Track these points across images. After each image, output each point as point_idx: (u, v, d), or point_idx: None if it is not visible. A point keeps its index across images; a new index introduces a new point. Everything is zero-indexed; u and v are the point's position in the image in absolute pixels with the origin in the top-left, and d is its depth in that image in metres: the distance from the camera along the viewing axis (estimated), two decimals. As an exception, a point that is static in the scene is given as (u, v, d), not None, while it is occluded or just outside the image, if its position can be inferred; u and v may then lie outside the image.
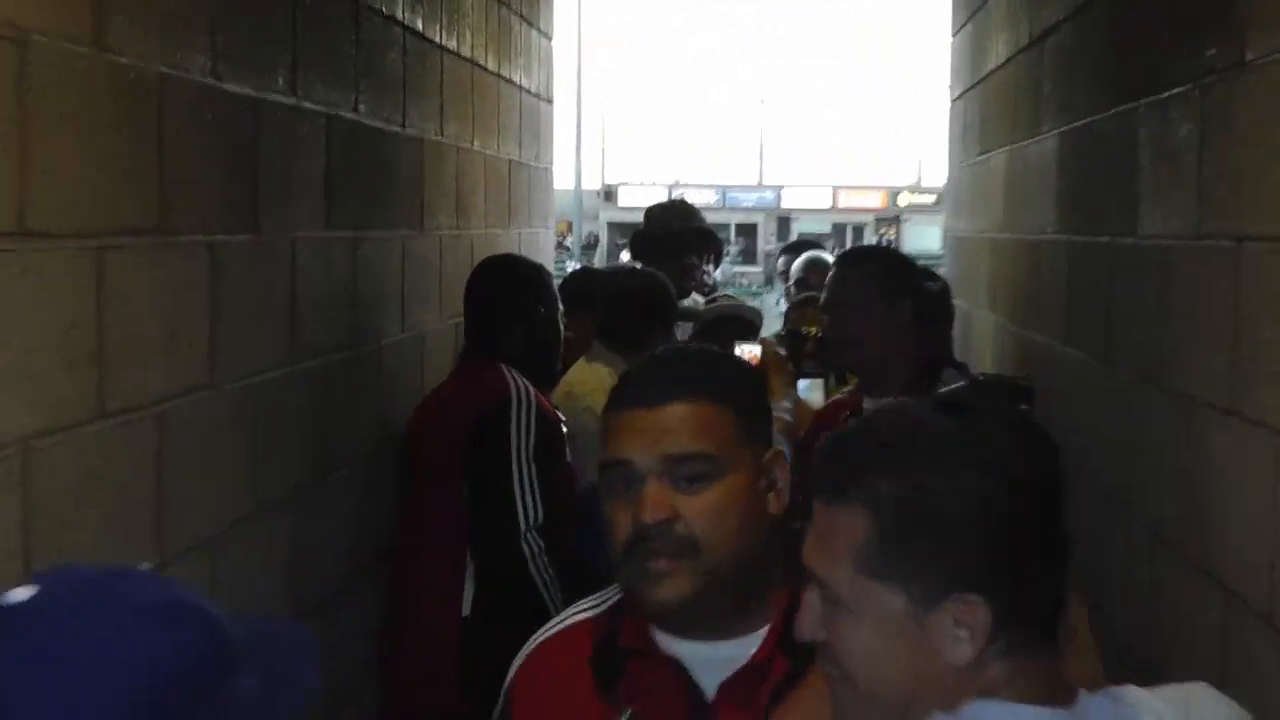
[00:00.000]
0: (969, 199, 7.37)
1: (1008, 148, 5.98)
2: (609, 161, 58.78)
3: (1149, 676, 1.92)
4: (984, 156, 6.70)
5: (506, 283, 4.55)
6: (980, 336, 6.67)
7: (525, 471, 4.11)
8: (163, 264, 2.92)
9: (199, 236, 3.10)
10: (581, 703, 2.02)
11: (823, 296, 4.25)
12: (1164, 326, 3.58)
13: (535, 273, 4.68)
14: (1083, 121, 4.51)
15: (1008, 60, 5.99)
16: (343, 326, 4.17)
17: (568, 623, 2.17)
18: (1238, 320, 3.03)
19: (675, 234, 6.44)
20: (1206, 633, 3.18)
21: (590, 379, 4.85)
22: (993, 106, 6.49)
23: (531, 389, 4.26)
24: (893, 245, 58.54)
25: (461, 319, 5.44)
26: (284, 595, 3.67)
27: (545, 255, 7.49)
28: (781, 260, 7.94)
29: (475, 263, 5.63)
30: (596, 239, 48.53)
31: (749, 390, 2.09)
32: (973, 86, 7.14)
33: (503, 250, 6.03)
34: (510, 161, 6.62)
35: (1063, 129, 4.83)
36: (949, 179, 8.37)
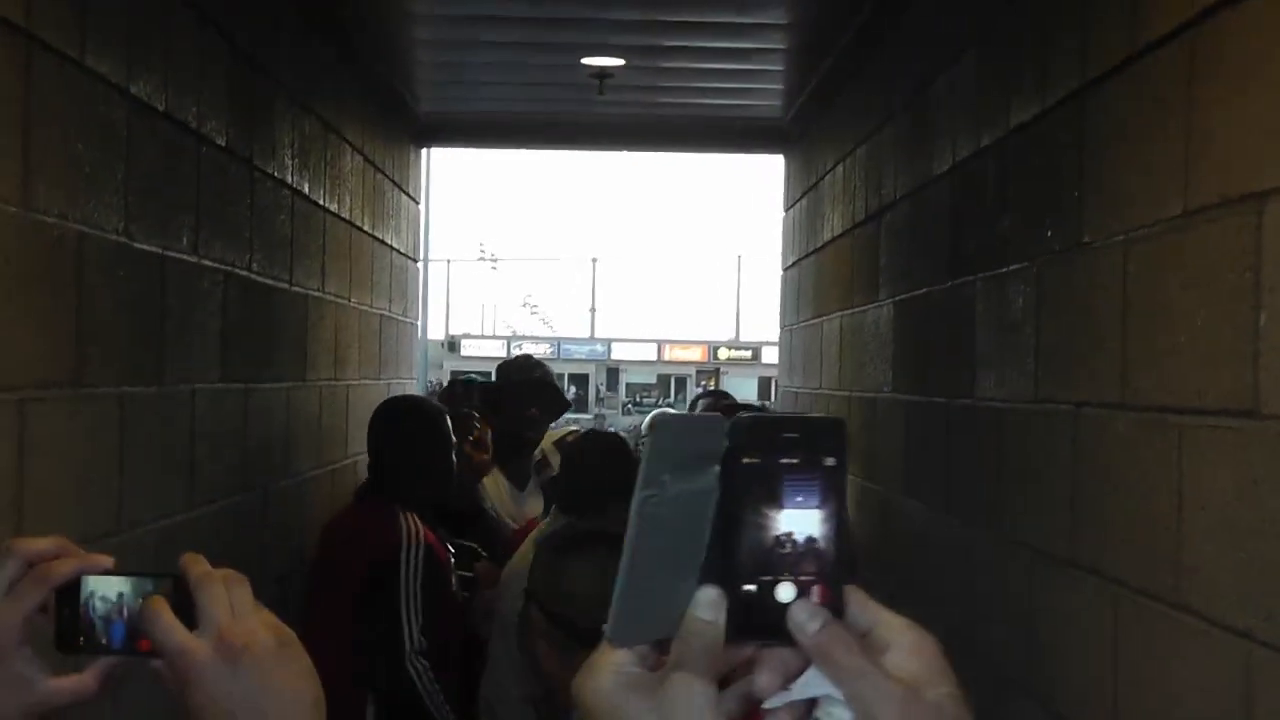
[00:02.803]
0: (802, 358, 7.47)
1: (842, 312, 6.09)
2: (453, 315, 59.00)
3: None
4: (817, 319, 6.81)
5: (405, 425, 4.57)
6: None
7: (411, 604, 4.17)
8: (77, 415, 2.83)
9: (110, 388, 3.02)
10: None
11: None
12: (1002, 481, 3.64)
13: (434, 416, 4.69)
14: (920, 291, 4.62)
15: (844, 233, 6.12)
16: (235, 473, 4.09)
17: None
18: (1076, 479, 3.09)
19: (513, 386, 6.27)
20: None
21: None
22: (827, 274, 6.61)
23: (422, 530, 4.30)
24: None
25: (338, 465, 5.39)
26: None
27: None
28: (701, 404, 7.57)
29: (349, 412, 5.59)
30: (442, 387, 48.63)
31: None
32: (806, 256, 7.28)
33: (375, 399, 5.98)
34: (381, 316, 6.60)
35: (900, 297, 4.94)
36: (780, 339, 8.48)
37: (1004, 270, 3.66)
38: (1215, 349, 2.40)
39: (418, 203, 7.83)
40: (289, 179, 4.67)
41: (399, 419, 4.61)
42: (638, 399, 58.89)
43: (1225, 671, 2.31)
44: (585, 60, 6.33)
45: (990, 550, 3.72)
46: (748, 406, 7.08)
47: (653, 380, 61.25)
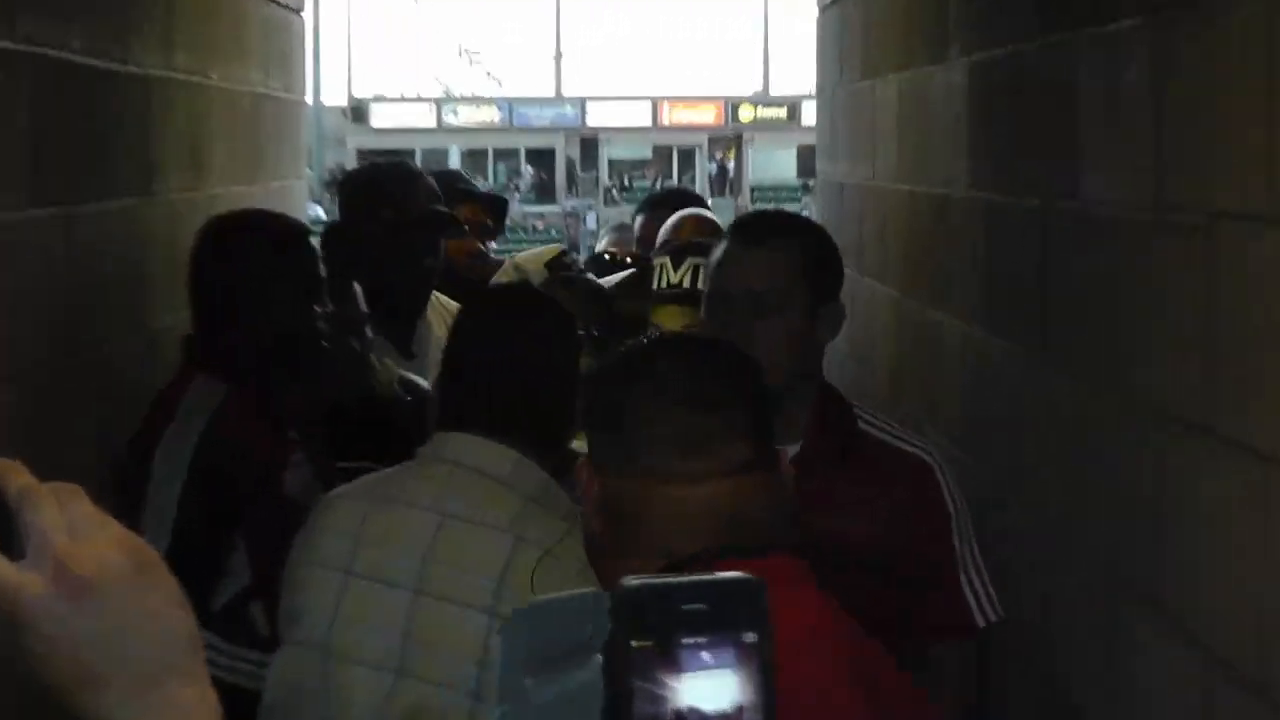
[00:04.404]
0: (847, 135, 7.53)
1: (901, 74, 6.15)
2: (357, 71, 58.10)
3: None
4: (868, 83, 6.86)
5: (225, 253, 4.26)
6: (866, 312, 6.79)
7: (155, 514, 3.93)
8: None
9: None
10: None
11: (713, 281, 3.72)
12: (1118, 317, 3.74)
13: (290, 240, 4.42)
14: (1004, 49, 4.69)
15: (901, -39, 6.16)
16: (54, 334, 4.21)
17: None
18: (1213, 317, 3.18)
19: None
20: (1183, 702, 3.34)
21: None
22: (880, 19, 6.64)
23: (207, 405, 4.02)
24: (730, 174, 58.85)
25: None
26: None
27: (299, 213, 7.41)
28: (639, 221, 6.81)
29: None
30: (344, 173, 48.01)
31: None
32: (852, -11, 7.29)
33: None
34: (253, 95, 6.67)
35: (976, 56, 5.00)
36: (819, 106, 8.49)
37: (1114, 27, 3.72)
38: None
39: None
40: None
41: (216, 245, 4.30)
42: (626, 181, 58.39)
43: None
44: None
45: (1102, 413, 3.84)
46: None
47: (646, 154, 60.78)
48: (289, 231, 4.52)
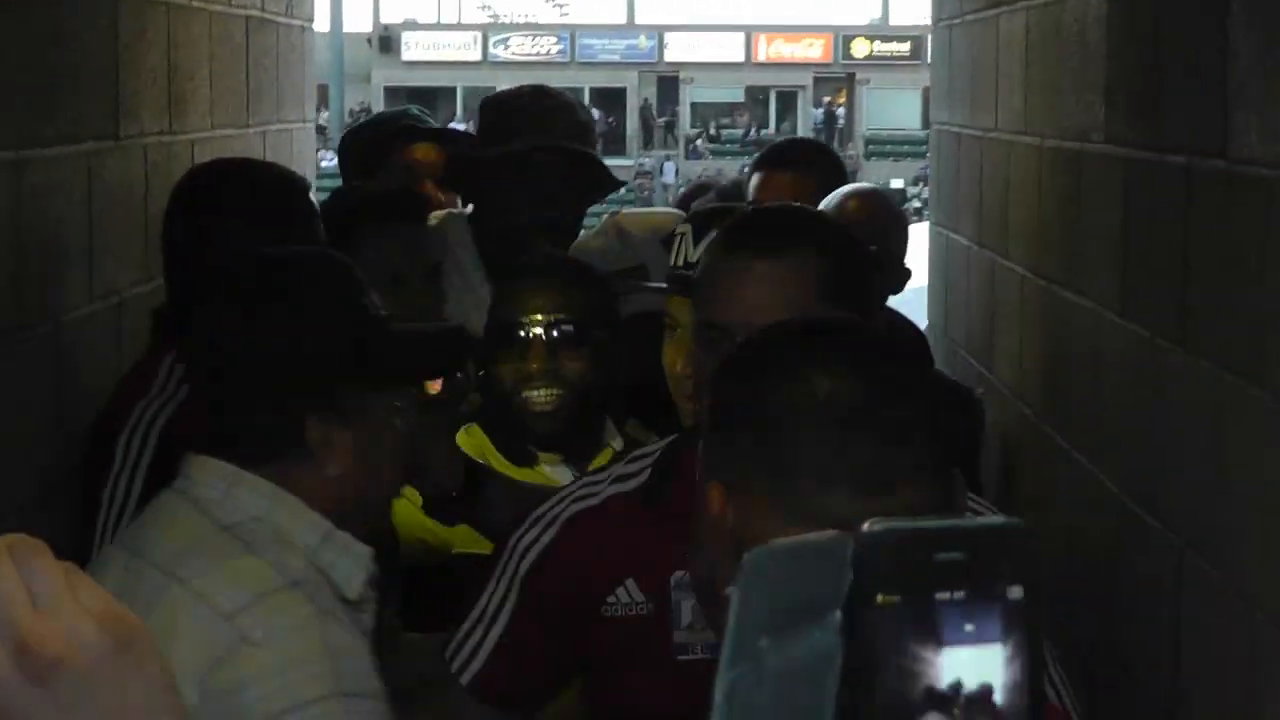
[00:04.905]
0: (966, 77, 7.51)
1: (1029, 2, 6.11)
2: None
3: None
4: (991, 12, 6.83)
5: (221, 211, 4.25)
6: (985, 292, 6.80)
7: (117, 504, 3.97)
8: None
9: None
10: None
11: (705, 309, 3.38)
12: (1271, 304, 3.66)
13: (283, 196, 4.43)
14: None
15: None
16: (5, 298, 4.21)
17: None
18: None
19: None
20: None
21: None
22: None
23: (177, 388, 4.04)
24: (840, 122, 58.93)
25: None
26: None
27: (304, 163, 7.54)
28: (755, 181, 5.95)
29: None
30: (369, 114, 47.89)
31: None
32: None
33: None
34: (248, 18, 6.66)
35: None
36: (934, 41, 8.50)
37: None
38: None
39: None
40: None
41: (196, 199, 4.35)
42: (713, 131, 58.45)
43: None
44: None
45: (1255, 415, 3.74)
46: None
47: (739, 97, 60.98)
48: (287, 184, 4.54)
